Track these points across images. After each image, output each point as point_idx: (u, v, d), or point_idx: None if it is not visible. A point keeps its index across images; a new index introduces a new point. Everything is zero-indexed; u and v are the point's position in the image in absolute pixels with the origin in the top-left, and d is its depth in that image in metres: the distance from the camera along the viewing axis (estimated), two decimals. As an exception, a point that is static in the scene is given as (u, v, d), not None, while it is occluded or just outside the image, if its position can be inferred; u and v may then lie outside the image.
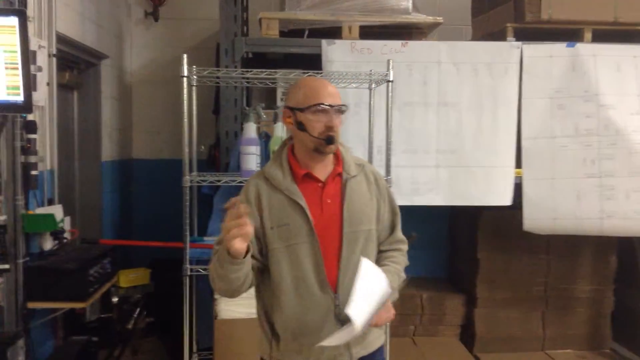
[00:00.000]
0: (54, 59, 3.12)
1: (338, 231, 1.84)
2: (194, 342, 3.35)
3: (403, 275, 1.98)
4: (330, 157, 1.90)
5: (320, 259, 1.81)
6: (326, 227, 1.83)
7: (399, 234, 2.03)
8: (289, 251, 1.82)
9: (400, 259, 1.99)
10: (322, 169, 1.88)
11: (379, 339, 1.97)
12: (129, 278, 3.51)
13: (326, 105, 1.80)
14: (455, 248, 4.58)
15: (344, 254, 1.83)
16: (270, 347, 1.88)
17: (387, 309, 1.83)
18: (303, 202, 1.82)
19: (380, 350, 1.98)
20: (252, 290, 2.04)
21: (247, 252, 1.64)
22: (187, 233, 2.97)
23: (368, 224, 1.90)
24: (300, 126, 1.82)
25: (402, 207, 2.05)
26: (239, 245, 1.58)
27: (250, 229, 1.57)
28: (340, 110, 1.84)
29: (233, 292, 1.78)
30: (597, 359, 4.00)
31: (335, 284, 1.83)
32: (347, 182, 1.88)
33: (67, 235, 3.03)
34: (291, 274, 1.82)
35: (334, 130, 1.81)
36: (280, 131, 3.05)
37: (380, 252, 1.98)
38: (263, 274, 1.87)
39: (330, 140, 1.80)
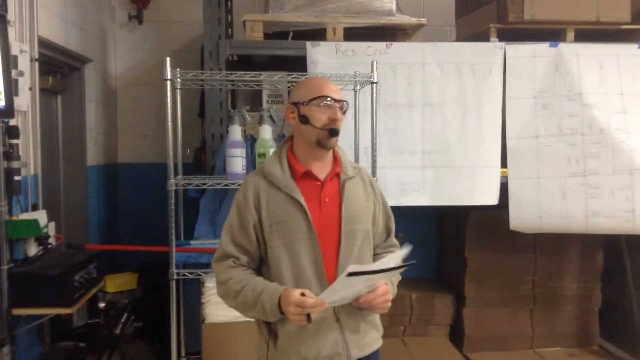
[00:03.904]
0: (36, 64, 3.09)
1: (337, 229, 1.86)
2: (182, 346, 3.34)
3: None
4: (329, 157, 1.93)
5: (319, 257, 1.83)
6: (325, 225, 1.85)
7: (394, 238, 2.07)
8: (287, 249, 1.83)
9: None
10: (321, 168, 1.91)
11: (376, 342, 1.96)
12: (116, 283, 3.48)
13: (330, 98, 1.85)
14: (443, 248, 4.60)
15: (342, 251, 1.85)
16: (267, 347, 1.87)
17: (382, 293, 1.80)
18: (301, 199, 1.84)
19: (376, 353, 1.97)
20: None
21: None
22: (173, 237, 2.96)
23: (365, 224, 1.92)
24: (304, 119, 1.85)
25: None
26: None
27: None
28: (342, 107, 1.88)
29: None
30: (585, 356, 4.01)
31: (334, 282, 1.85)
32: (345, 183, 1.91)
33: (51, 240, 2.99)
34: (290, 271, 1.83)
35: (337, 124, 1.85)
36: (266, 133, 3.04)
37: (375, 255, 1.99)
38: (261, 274, 1.89)
39: (333, 132, 1.84)
